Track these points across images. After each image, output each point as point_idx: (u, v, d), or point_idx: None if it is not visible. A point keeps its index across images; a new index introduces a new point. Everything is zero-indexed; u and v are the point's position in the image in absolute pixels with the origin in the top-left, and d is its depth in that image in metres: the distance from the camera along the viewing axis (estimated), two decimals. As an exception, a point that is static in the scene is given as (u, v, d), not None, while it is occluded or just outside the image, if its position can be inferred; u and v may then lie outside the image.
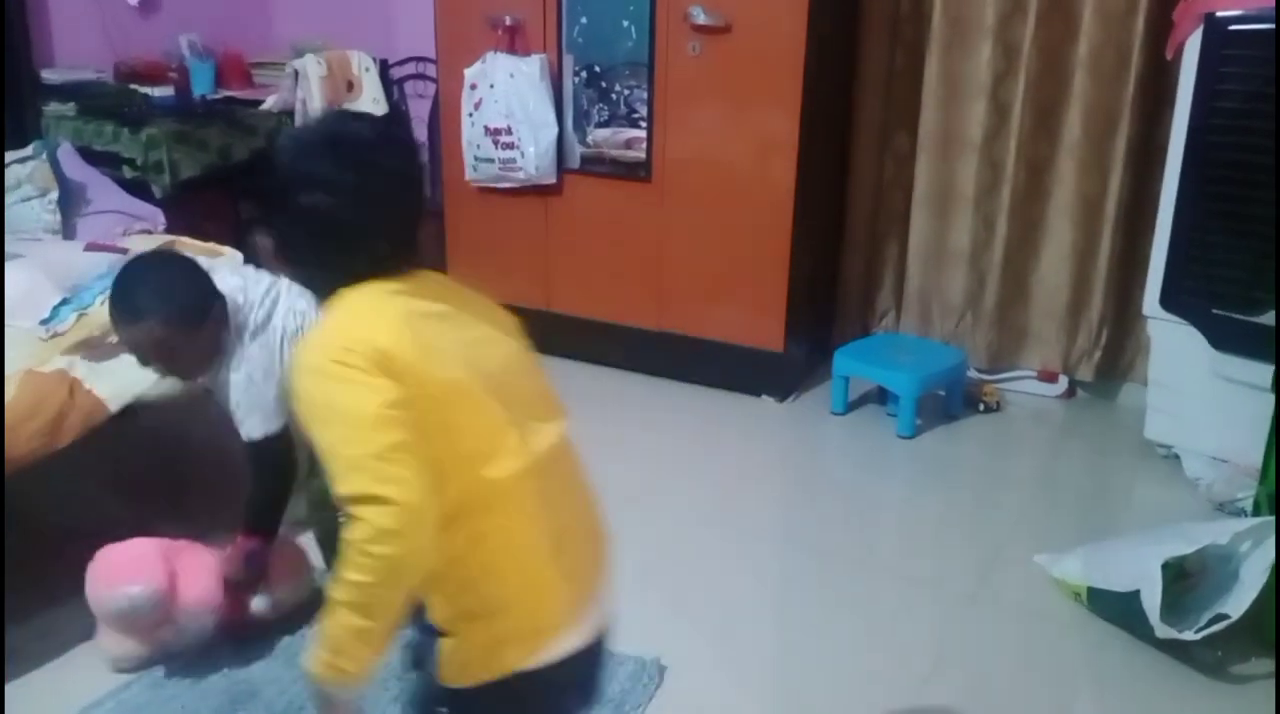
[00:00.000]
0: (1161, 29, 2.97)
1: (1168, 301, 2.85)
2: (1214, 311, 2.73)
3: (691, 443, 3.15)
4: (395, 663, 1.38)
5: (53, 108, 3.45)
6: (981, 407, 3.36)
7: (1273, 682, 2.13)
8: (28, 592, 2.29)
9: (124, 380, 2.17)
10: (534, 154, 3.37)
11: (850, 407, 3.34)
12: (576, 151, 3.41)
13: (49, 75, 3.53)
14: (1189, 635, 2.10)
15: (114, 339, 2.22)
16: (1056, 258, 3.36)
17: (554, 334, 3.53)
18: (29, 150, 3.00)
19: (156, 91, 3.61)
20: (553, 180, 3.44)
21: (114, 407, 2.13)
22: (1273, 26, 2.52)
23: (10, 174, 2.91)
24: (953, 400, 3.32)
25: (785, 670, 2.21)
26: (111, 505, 2.74)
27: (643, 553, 2.56)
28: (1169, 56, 2.86)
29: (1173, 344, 2.89)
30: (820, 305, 3.66)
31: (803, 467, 3.00)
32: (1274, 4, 2.51)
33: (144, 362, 1.94)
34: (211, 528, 2.59)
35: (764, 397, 3.40)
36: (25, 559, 2.39)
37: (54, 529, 2.61)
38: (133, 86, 3.63)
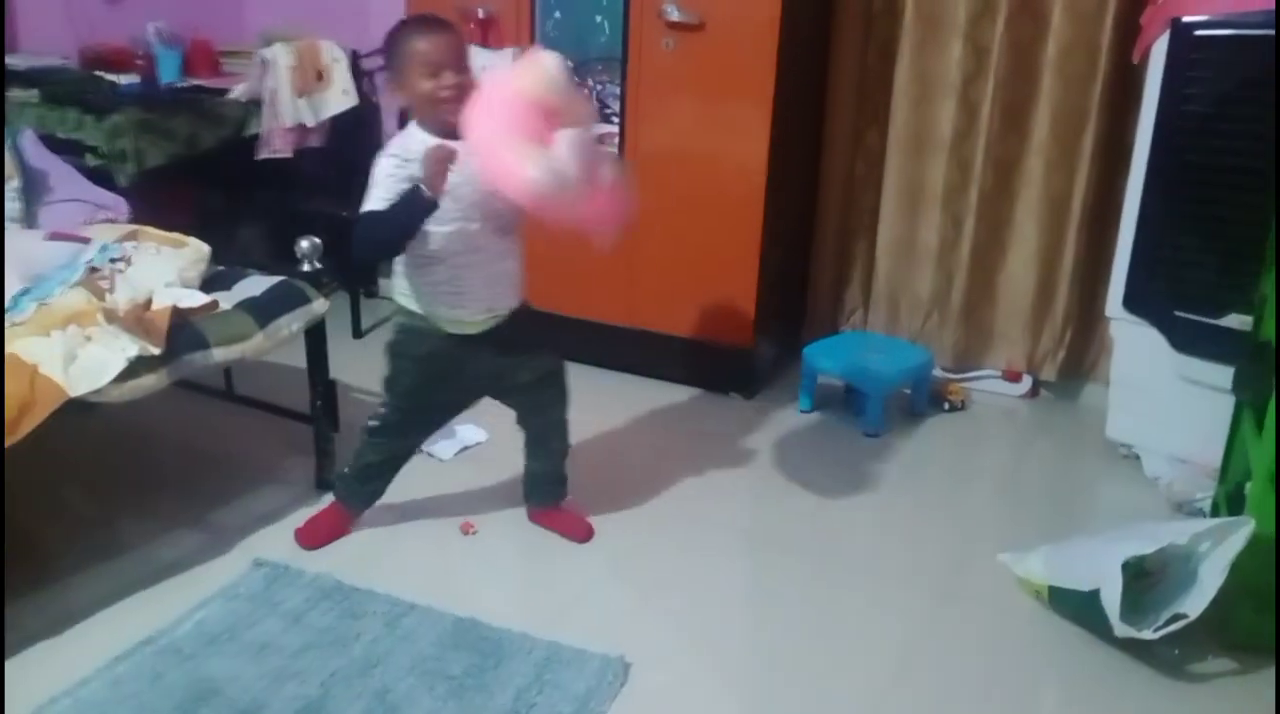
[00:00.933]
0: (1130, 32, 3.00)
1: (1131, 303, 2.88)
2: (1176, 313, 2.76)
3: (658, 440, 3.15)
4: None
5: (15, 94, 3.38)
6: (947, 406, 3.39)
7: (1231, 680, 2.17)
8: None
9: (86, 368, 2.14)
10: (505, 148, 3.35)
11: (817, 404, 3.35)
12: (548, 146, 3.39)
13: (13, 61, 3.46)
14: (1148, 634, 2.13)
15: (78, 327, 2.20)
16: (1023, 257, 3.39)
17: (523, 329, 3.53)
18: (-10, 137, 2.95)
19: (123, 79, 3.55)
20: (523, 174, 3.41)
21: (74, 392, 2.09)
22: (1238, 32, 2.54)
23: (-31, 161, 2.86)
24: (919, 399, 3.34)
25: (751, 668, 2.22)
26: (74, 502, 2.71)
27: (608, 550, 2.56)
28: (1135, 60, 2.89)
29: (1135, 345, 2.92)
30: (790, 303, 3.67)
31: (769, 464, 3.01)
32: (1240, 10, 2.54)
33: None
34: (175, 523, 2.58)
35: (731, 394, 3.41)
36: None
37: (13, 525, 2.58)
38: (98, 73, 3.57)
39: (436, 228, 2.19)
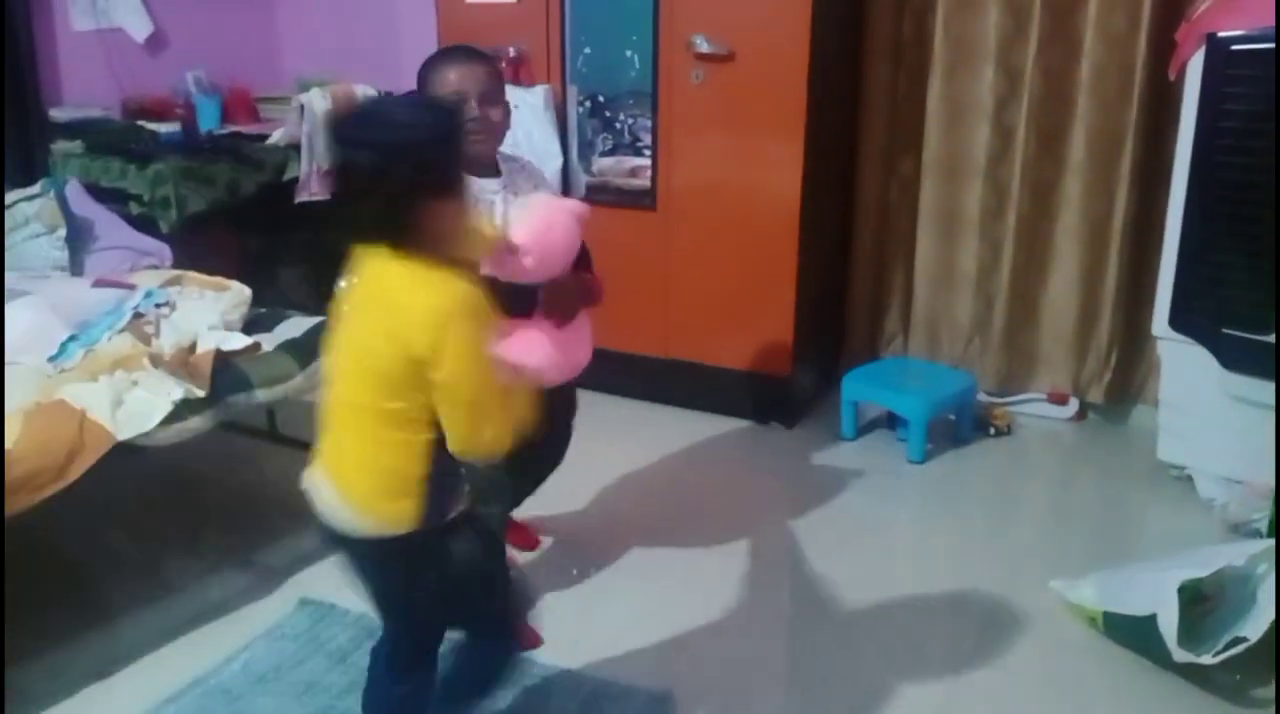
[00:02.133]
0: (1163, 49, 2.98)
1: (1177, 322, 2.84)
2: (1224, 331, 2.71)
3: (699, 471, 3.13)
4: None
5: (60, 145, 3.47)
6: (992, 430, 3.35)
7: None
8: (37, 630, 2.28)
9: (133, 412, 2.17)
10: (539, 184, 3.38)
11: (860, 432, 3.32)
12: (582, 181, 3.42)
13: (57, 114, 3.55)
14: (1207, 659, 2.07)
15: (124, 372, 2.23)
16: (1064, 279, 3.36)
17: (561, 363, 3.53)
18: (36, 188, 3.02)
19: (164, 128, 3.63)
20: (558, 210, 3.44)
21: (121, 436, 2.12)
22: (1274, 46, 2.52)
23: (18, 212, 2.92)
24: (963, 424, 3.30)
25: (799, 701, 2.18)
26: (123, 544, 2.74)
27: (653, 583, 2.54)
28: (1172, 77, 2.86)
29: (1183, 364, 2.87)
30: (828, 331, 3.65)
31: (813, 493, 2.98)
32: (1275, 24, 2.51)
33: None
34: (221, 564, 2.59)
35: (772, 423, 3.39)
36: (34, 597, 2.38)
37: (63, 567, 2.61)
38: (140, 123, 3.66)
39: None
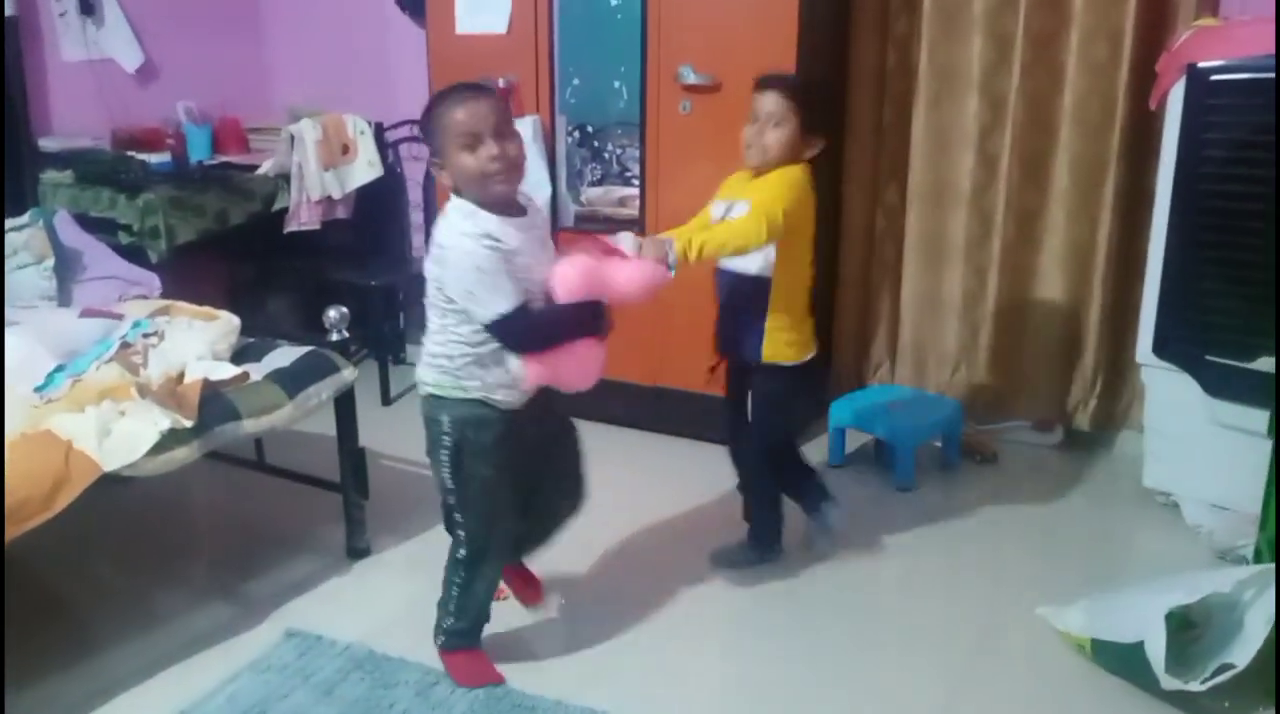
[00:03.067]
0: (1145, 78, 3.02)
1: (1161, 349, 2.86)
2: (1207, 358, 2.74)
3: (686, 498, 3.13)
4: None
5: (50, 175, 3.48)
6: (978, 457, 3.36)
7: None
8: (21, 661, 2.27)
9: (120, 442, 2.16)
10: (528, 213, 3.40)
11: (847, 459, 3.33)
12: (571, 210, 3.44)
13: (47, 143, 3.57)
14: (1195, 686, 2.07)
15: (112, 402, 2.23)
16: (1049, 306, 3.38)
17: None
18: (25, 218, 3.02)
19: (154, 158, 3.65)
20: (547, 239, 3.46)
21: (108, 466, 2.12)
22: (1254, 76, 2.55)
23: (6, 242, 2.92)
24: (950, 451, 3.31)
25: (788, 730, 2.18)
26: (108, 574, 2.73)
27: (640, 612, 2.54)
28: (1153, 107, 2.90)
29: (1168, 391, 2.89)
30: (815, 358, 3.66)
31: (801, 519, 2.98)
32: (1254, 54, 2.55)
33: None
34: (208, 594, 2.58)
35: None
36: (20, 628, 2.37)
37: (49, 598, 2.59)
38: (130, 153, 3.67)
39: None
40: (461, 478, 2.14)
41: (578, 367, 2.13)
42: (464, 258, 1.97)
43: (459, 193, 2.05)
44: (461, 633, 2.26)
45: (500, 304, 1.99)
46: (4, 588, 1.85)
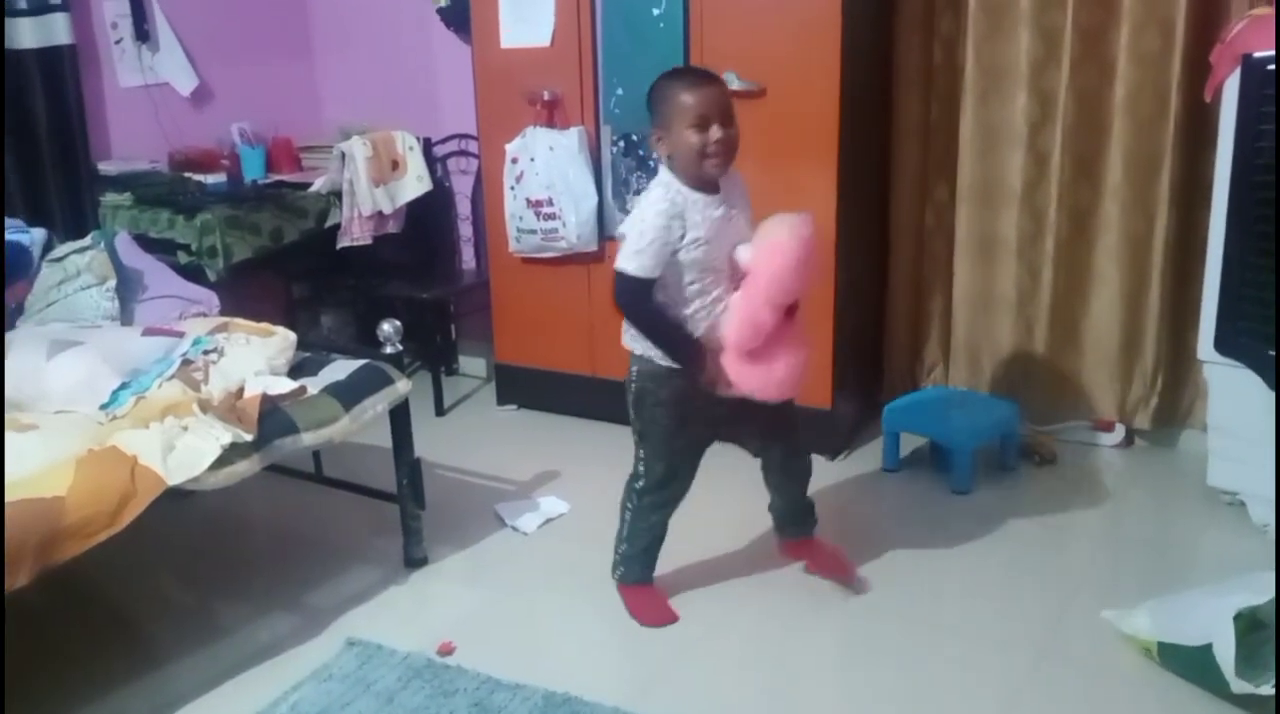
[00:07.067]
0: (1198, 70, 2.96)
1: (1222, 345, 2.80)
2: (1270, 353, 2.67)
3: (742, 505, 3.11)
4: None
5: (110, 198, 3.56)
6: (1037, 459, 3.31)
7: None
8: (87, 676, 2.32)
9: (184, 457, 2.21)
10: (575, 223, 3.42)
11: (903, 463, 3.30)
12: (617, 219, 3.45)
13: (106, 167, 3.66)
14: (1266, 689, 2.03)
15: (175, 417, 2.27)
16: (1106, 303, 3.32)
17: (600, 399, 3.55)
18: (88, 240, 3.09)
19: (210, 179, 3.72)
20: (594, 248, 3.48)
21: (172, 481, 2.16)
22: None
23: (70, 263, 3.00)
24: (1007, 453, 3.27)
25: (848, 736, 2.16)
26: (172, 587, 2.78)
27: (696, 618, 2.53)
28: (1208, 99, 2.84)
29: (1231, 388, 2.83)
30: (867, 361, 3.64)
31: (857, 525, 2.96)
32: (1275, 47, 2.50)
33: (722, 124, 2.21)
34: (269, 606, 2.62)
35: (814, 455, 3.36)
36: (86, 643, 2.42)
37: (114, 612, 2.65)
38: (187, 174, 3.75)
39: (698, 283, 2.27)
40: (643, 423, 2.42)
41: (761, 373, 2.30)
42: (644, 208, 2.23)
43: (670, 166, 2.27)
44: (633, 560, 2.53)
45: (637, 263, 2.21)
46: (4, 587, 1.89)
